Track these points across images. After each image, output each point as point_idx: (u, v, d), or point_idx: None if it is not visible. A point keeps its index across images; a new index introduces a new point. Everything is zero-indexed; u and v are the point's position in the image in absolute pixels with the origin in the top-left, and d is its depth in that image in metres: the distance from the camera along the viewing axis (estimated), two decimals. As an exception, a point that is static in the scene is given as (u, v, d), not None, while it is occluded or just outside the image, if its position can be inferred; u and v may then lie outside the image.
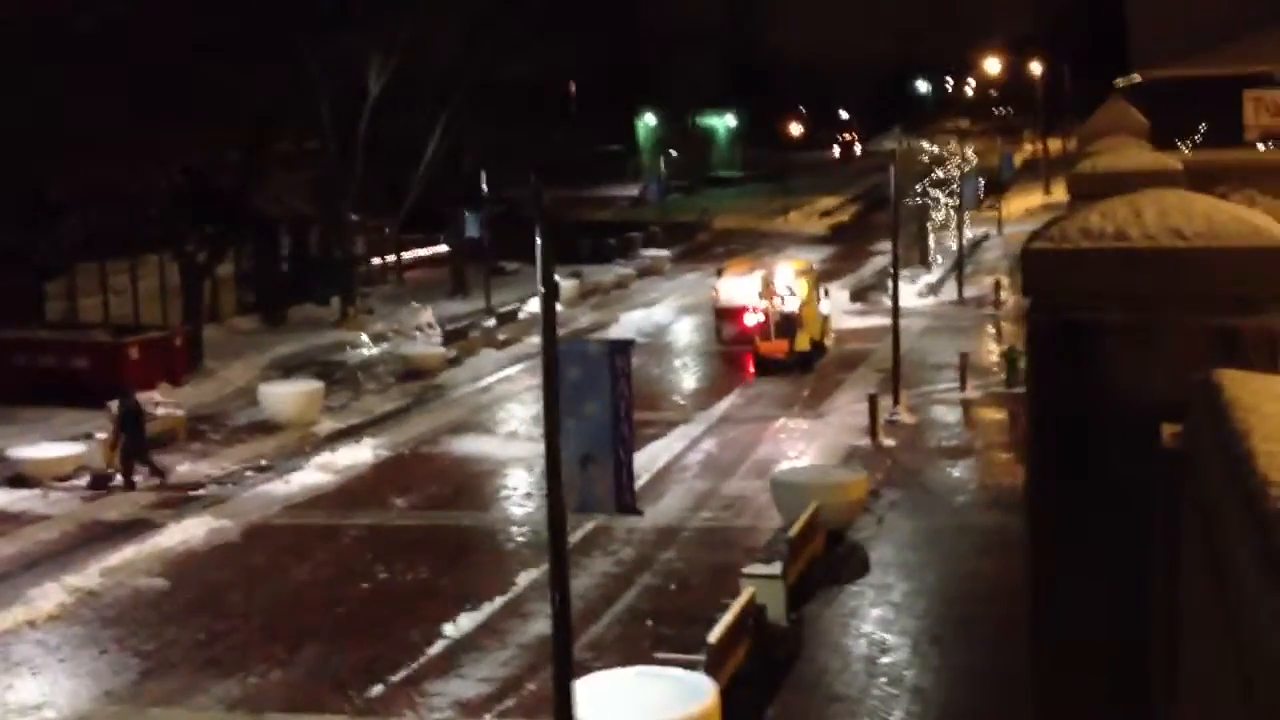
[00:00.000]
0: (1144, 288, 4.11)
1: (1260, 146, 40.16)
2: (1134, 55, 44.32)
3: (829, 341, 31.88)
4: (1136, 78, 41.58)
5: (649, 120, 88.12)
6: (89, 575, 17.00)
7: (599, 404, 9.59)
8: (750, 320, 30.91)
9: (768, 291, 30.00)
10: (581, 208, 63.76)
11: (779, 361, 29.27)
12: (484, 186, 40.47)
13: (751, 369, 29.87)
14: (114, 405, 21.73)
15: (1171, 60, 40.06)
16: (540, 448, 22.68)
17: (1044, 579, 4.31)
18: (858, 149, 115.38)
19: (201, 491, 21.35)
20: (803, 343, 29.62)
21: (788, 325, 29.50)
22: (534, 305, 36.22)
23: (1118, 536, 4.16)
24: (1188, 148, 32.67)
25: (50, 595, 16.25)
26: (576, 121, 61.77)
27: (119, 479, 21.22)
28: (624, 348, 9.88)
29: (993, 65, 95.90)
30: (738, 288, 32.53)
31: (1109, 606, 4.22)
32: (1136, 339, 4.11)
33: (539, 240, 9.80)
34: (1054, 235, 4.22)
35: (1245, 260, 3.98)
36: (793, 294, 29.97)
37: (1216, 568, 2.91)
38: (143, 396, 24.99)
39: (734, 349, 32.18)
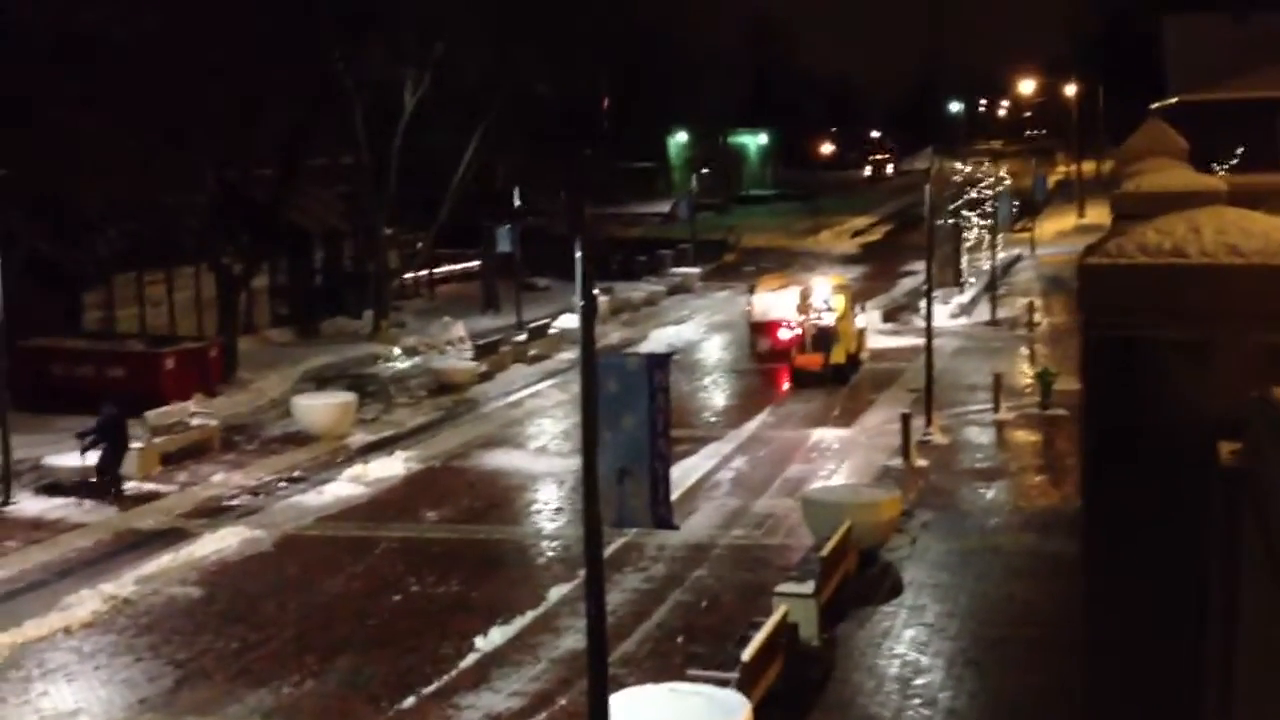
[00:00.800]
0: (1201, 304, 4.09)
1: (1298, 170, 39.85)
2: (1171, 78, 44.16)
3: (864, 355, 32.24)
4: (1172, 100, 41.41)
5: (680, 138, 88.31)
6: (124, 583, 17.12)
7: (637, 418, 9.58)
8: (784, 334, 31.52)
9: (805, 306, 30.45)
10: (612, 225, 63.92)
11: (814, 374, 29.67)
12: (517, 202, 40.63)
13: (784, 385, 30.14)
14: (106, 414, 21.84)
15: (1209, 84, 39.92)
16: (571, 463, 22.83)
17: (1101, 593, 4.29)
18: (890, 169, 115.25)
19: (235, 502, 21.48)
20: (838, 356, 30.01)
21: (824, 339, 29.98)
22: (564, 321, 36.35)
23: (1174, 551, 4.14)
24: (1223, 170, 32.50)
25: (86, 603, 16.37)
26: (608, 138, 61.95)
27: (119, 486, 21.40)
28: (663, 361, 9.87)
29: (1026, 86, 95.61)
30: (772, 302, 33.09)
31: (1164, 619, 4.19)
32: (1193, 355, 4.09)
33: (578, 254, 9.84)
34: (1110, 251, 4.21)
35: (1304, 278, 3.96)
36: (830, 308, 30.43)
37: (1284, 583, 2.89)
38: (177, 406, 25.23)
39: (765, 366, 32.47)
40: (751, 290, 35.41)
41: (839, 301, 30.67)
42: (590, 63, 46.45)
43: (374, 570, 18.05)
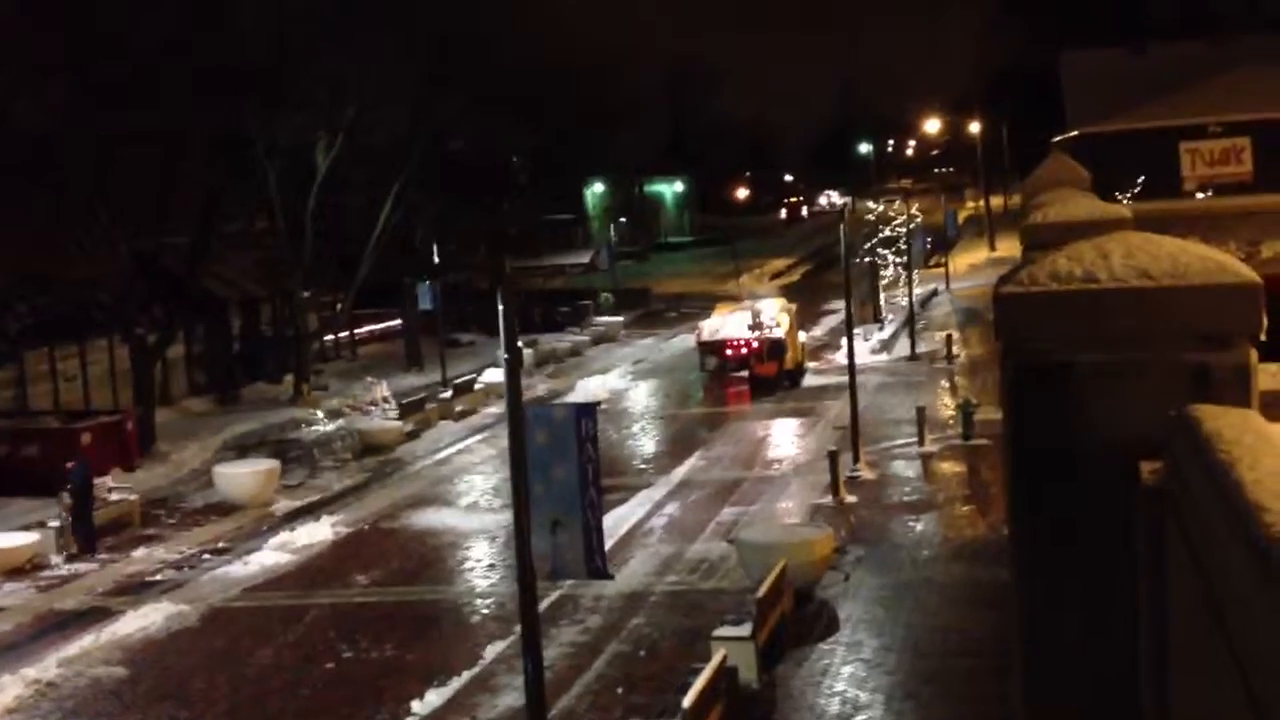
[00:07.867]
0: (1114, 328, 4.18)
1: (1199, 195, 41.12)
2: (1070, 112, 45.38)
3: (807, 364, 37.65)
4: (1073, 133, 42.51)
5: (597, 188, 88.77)
6: (46, 666, 16.60)
7: (567, 468, 9.56)
8: (730, 351, 36.19)
9: (757, 324, 35.08)
10: (533, 277, 63.94)
11: (770, 379, 34.78)
12: (436, 258, 40.51)
13: (735, 401, 34.30)
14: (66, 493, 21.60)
15: (1107, 116, 41.04)
16: (502, 518, 22.60)
17: (1031, 619, 4.33)
18: (804, 211, 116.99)
19: (158, 577, 20.98)
20: (789, 364, 35.32)
21: (776, 350, 35.19)
22: (489, 376, 36.22)
23: (1102, 573, 4.19)
24: (1127, 200, 33.36)
25: (7, 688, 15.84)
26: (525, 192, 62.15)
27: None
28: (590, 411, 9.87)
29: (932, 125, 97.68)
30: (719, 324, 37.48)
31: (1096, 642, 4.24)
32: (1110, 379, 4.17)
33: (501, 307, 9.83)
34: (1023, 280, 4.29)
35: (1212, 297, 4.06)
36: (779, 325, 35.46)
37: (1211, 596, 2.94)
38: (95, 482, 24.64)
39: (693, 412, 33.11)
40: (709, 316, 39.71)
41: (785, 319, 35.72)
42: (504, 117, 46.47)
43: (305, 639, 17.69)
